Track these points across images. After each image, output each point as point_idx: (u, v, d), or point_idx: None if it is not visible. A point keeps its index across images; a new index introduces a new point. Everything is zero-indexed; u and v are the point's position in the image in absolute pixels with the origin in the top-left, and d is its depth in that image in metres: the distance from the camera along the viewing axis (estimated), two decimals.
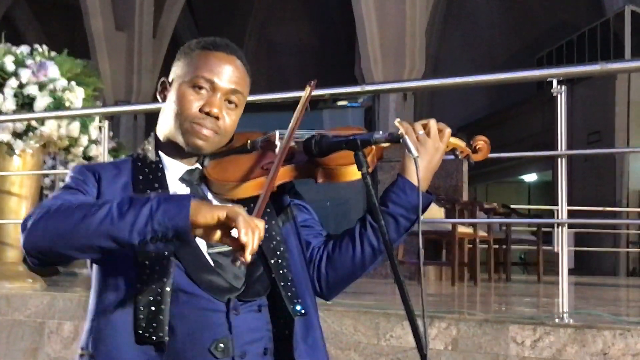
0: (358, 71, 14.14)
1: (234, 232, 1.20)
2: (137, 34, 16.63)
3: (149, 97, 15.72)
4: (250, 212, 1.28)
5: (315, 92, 3.49)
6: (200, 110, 1.50)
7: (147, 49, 16.85)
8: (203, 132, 1.50)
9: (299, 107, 1.53)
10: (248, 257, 1.19)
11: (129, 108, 7.58)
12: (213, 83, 1.51)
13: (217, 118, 1.50)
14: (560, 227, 3.06)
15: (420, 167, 1.50)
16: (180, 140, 1.51)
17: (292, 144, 1.52)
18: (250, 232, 1.19)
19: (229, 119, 1.53)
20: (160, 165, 1.53)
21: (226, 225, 1.22)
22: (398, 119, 1.56)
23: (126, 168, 1.53)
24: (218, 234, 1.23)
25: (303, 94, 1.56)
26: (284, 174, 1.51)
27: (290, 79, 19.73)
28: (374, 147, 1.49)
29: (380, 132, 1.45)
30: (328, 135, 1.49)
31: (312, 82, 1.59)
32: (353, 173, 1.48)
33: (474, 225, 5.99)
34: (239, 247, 1.19)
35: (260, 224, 1.22)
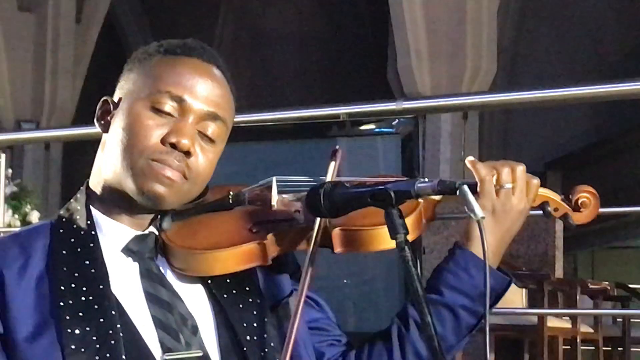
0: (392, 75, 14.10)
1: None
2: (50, 17, 16.73)
3: (69, 116, 15.69)
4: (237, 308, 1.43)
5: (326, 111, 3.51)
6: (163, 141, 1.53)
7: (67, 40, 16.92)
8: (166, 174, 1.52)
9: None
10: None
11: (37, 135, 7.48)
12: (182, 102, 1.54)
13: (187, 153, 1.53)
14: None
15: (494, 237, 1.54)
16: (129, 187, 1.54)
17: (289, 197, 1.57)
18: None
19: (204, 159, 1.56)
20: (93, 232, 1.54)
21: None
22: (471, 158, 1.58)
23: (39, 245, 1.53)
24: None
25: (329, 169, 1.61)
26: (281, 243, 1.54)
27: (284, 88, 19.80)
28: (420, 200, 1.52)
29: (427, 180, 1.46)
30: (344, 184, 1.51)
31: (336, 149, 1.65)
32: (383, 239, 1.50)
33: (573, 317, 5.95)
34: None
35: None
